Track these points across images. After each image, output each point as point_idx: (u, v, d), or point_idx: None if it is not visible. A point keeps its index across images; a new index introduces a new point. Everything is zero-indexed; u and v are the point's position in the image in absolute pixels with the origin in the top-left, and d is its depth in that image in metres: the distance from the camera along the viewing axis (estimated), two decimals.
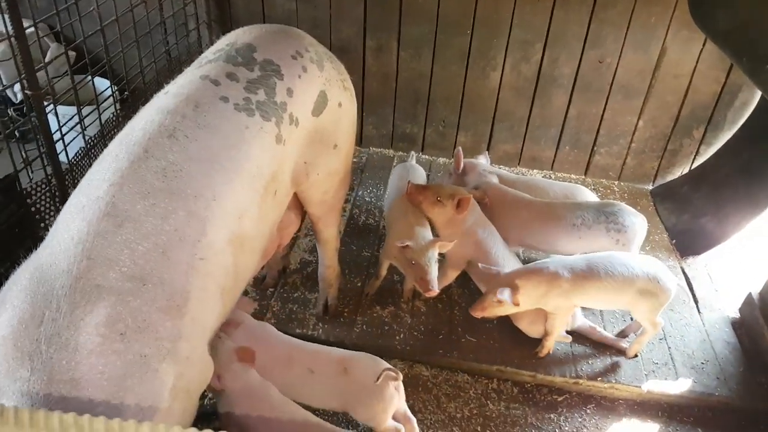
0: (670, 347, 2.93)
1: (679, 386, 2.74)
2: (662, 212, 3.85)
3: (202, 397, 2.12)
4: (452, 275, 2.95)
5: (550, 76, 3.89)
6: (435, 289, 2.56)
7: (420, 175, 3.20)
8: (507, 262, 2.80)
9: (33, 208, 2.43)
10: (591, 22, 3.66)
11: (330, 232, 2.78)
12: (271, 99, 1.99)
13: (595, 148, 4.12)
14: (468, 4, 3.72)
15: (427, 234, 2.72)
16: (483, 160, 3.41)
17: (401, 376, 2.22)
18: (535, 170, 4.27)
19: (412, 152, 3.66)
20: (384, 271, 2.96)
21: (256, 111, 1.93)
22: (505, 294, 2.49)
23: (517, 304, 2.54)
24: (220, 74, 1.96)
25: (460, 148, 3.28)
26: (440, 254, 2.69)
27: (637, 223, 2.95)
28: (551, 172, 4.26)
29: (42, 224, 2.42)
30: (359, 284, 3.13)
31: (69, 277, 1.49)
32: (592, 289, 2.60)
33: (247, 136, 1.89)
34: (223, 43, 2.17)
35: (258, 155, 1.91)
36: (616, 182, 4.20)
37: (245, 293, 2.90)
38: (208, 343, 1.81)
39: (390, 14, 3.82)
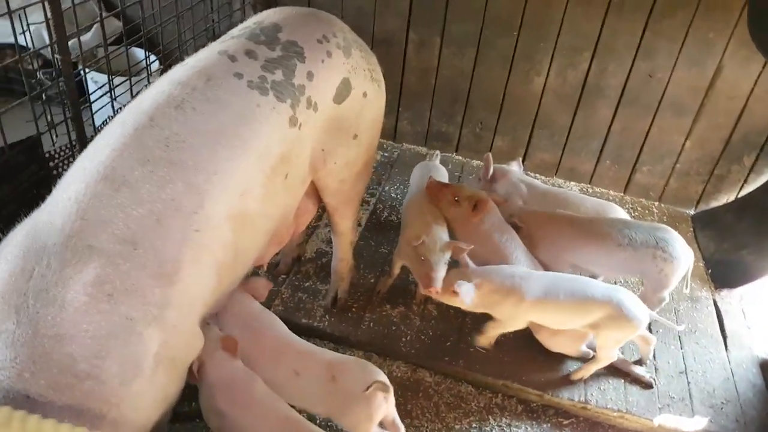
0: (689, 382, 2.77)
1: (694, 424, 2.59)
2: (701, 239, 3.66)
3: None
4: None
5: (597, 86, 3.74)
6: (437, 287, 2.47)
7: (442, 175, 3.12)
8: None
9: (55, 172, 2.46)
10: (645, 32, 3.50)
11: (345, 225, 2.73)
12: (288, 80, 1.97)
13: (637, 166, 3.95)
14: (517, 4, 3.60)
15: (443, 234, 2.64)
16: (515, 167, 3.30)
17: (391, 389, 2.10)
18: (572, 182, 4.12)
19: (437, 151, 3.58)
20: (397, 270, 2.89)
21: (270, 90, 1.91)
22: (463, 289, 2.40)
23: (469, 304, 2.46)
24: (239, 51, 1.95)
25: (489, 154, 3.15)
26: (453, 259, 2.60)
27: (686, 255, 2.74)
28: (589, 186, 4.11)
29: None
30: (372, 281, 3.07)
31: (62, 236, 1.51)
32: (550, 310, 2.49)
33: (258, 115, 1.86)
34: (252, 21, 2.17)
35: (267, 135, 1.88)
36: (656, 203, 4.01)
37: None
38: (200, 317, 1.80)
39: (436, 9, 3.73)
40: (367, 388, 2.03)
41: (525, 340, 2.81)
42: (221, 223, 1.76)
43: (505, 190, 3.11)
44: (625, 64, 3.62)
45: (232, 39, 2.02)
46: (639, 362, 2.81)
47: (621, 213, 3.07)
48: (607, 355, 2.59)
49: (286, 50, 2.01)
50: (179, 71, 1.87)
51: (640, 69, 3.61)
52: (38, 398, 1.38)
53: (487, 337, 2.71)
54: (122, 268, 1.51)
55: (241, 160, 1.80)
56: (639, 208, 3.95)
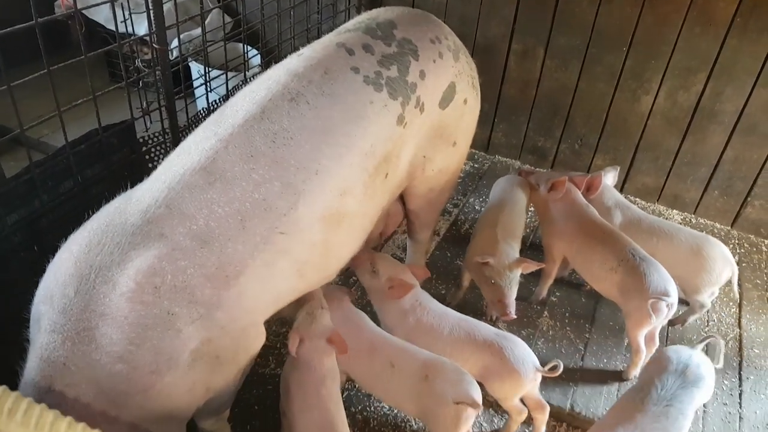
0: None
1: None
2: None
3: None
4: (550, 269, 2.88)
5: (710, 111, 3.50)
6: (512, 315, 2.40)
7: (520, 195, 2.93)
8: None
9: (147, 156, 2.59)
10: None
11: (424, 234, 2.71)
12: (402, 77, 1.96)
13: (749, 199, 3.65)
14: (629, 19, 3.44)
15: (512, 252, 2.55)
16: (610, 175, 3.11)
17: (480, 408, 2.07)
18: (674, 210, 3.88)
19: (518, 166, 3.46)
20: (466, 282, 2.84)
21: (384, 87, 1.91)
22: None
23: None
24: (357, 44, 1.95)
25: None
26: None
27: (723, 261, 2.72)
28: (693, 216, 3.85)
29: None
30: (443, 292, 3.03)
31: (142, 219, 1.57)
32: (428, 339, 2.29)
33: (369, 112, 1.86)
34: (365, 17, 2.17)
35: (375, 134, 1.88)
36: (767, 241, 3.70)
37: None
38: (269, 314, 1.82)
39: (542, 19, 3.63)
40: (458, 402, 2.01)
41: (597, 370, 2.70)
42: (312, 224, 1.76)
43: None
44: (744, 89, 3.36)
45: (348, 32, 2.02)
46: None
47: (721, 249, 2.82)
48: (510, 407, 2.33)
49: (402, 47, 2.01)
50: (296, 61, 1.88)
51: (760, 95, 3.33)
52: (72, 367, 1.46)
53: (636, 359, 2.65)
54: (179, 263, 1.54)
55: (346, 159, 1.80)
56: (746, 245, 3.65)
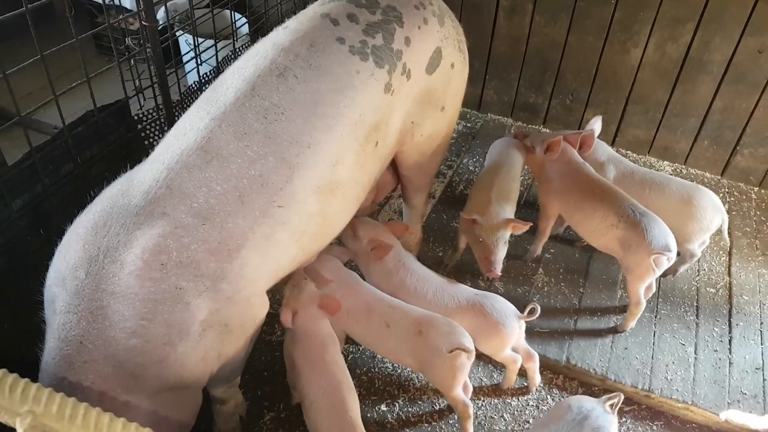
0: (765, 379, 2.65)
1: (763, 422, 2.48)
2: None
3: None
4: (545, 227, 2.96)
5: (699, 61, 3.52)
6: (497, 272, 2.49)
7: (516, 158, 2.97)
8: None
9: (142, 134, 2.62)
10: (756, 4, 3.24)
11: (419, 199, 2.76)
12: (388, 45, 1.98)
13: (738, 148, 3.71)
14: None
15: (504, 213, 2.61)
16: (597, 126, 3.14)
17: (474, 354, 2.20)
18: (665, 162, 3.94)
19: (513, 130, 3.49)
20: (462, 245, 2.91)
21: (370, 56, 1.93)
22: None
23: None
24: (341, 14, 1.96)
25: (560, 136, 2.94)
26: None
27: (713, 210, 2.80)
28: (683, 166, 3.91)
29: (150, 150, 2.61)
30: (440, 254, 3.10)
31: (145, 199, 1.62)
32: (413, 301, 2.38)
33: (356, 82, 1.89)
34: None
35: (363, 103, 1.91)
36: (756, 189, 3.77)
37: None
38: (272, 283, 1.90)
39: None
40: (451, 351, 2.13)
41: (589, 324, 2.80)
42: (307, 196, 1.81)
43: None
44: (733, 38, 3.38)
45: (332, 2, 2.02)
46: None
47: (711, 197, 2.89)
48: (505, 359, 2.46)
49: (386, 14, 2.02)
50: (282, 35, 1.90)
51: (748, 44, 3.36)
52: (89, 345, 1.53)
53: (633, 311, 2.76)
54: (183, 240, 1.60)
55: (336, 130, 1.84)
56: (736, 194, 3.72)
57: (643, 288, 2.65)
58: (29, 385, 1.02)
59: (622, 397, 1.98)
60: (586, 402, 1.98)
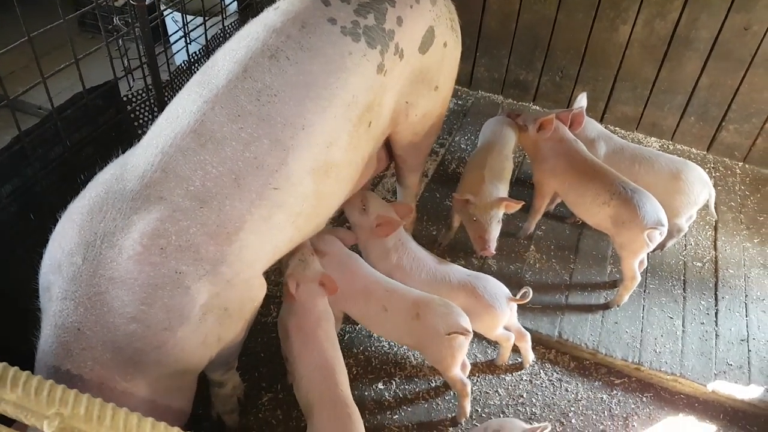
0: (750, 350, 2.72)
1: (749, 392, 2.56)
2: None
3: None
4: (539, 205, 2.99)
5: (686, 38, 3.54)
6: (491, 250, 2.52)
7: (509, 137, 2.99)
8: None
9: (132, 115, 2.59)
10: None
11: (413, 178, 2.77)
12: (380, 25, 1.97)
13: (724, 124, 3.75)
14: None
15: (497, 192, 2.63)
16: (583, 102, 3.14)
17: (471, 335, 2.23)
18: (653, 138, 3.98)
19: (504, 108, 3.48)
20: (456, 223, 2.93)
21: (362, 36, 1.92)
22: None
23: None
24: None
25: (554, 114, 2.96)
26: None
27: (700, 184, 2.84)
28: (670, 142, 3.95)
29: (140, 131, 2.59)
30: (434, 233, 3.13)
31: (140, 184, 1.62)
32: (408, 280, 2.43)
33: (349, 64, 1.88)
34: None
35: (356, 84, 1.91)
36: (740, 164, 3.82)
37: None
38: (269, 265, 1.90)
39: None
40: (449, 333, 2.16)
41: (579, 299, 2.85)
42: (303, 177, 1.81)
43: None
44: (719, 15, 3.41)
45: None
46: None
47: (699, 172, 2.94)
48: (498, 338, 2.51)
49: None
50: (273, 16, 1.88)
51: (734, 21, 3.38)
52: (87, 332, 1.53)
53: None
54: (182, 224, 1.60)
55: (329, 111, 1.84)
56: (721, 168, 3.78)
57: (637, 263, 2.70)
58: (55, 386, 1.02)
59: (550, 427, 1.96)
60: (507, 423, 2.02)
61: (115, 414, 0.97)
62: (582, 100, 3.14)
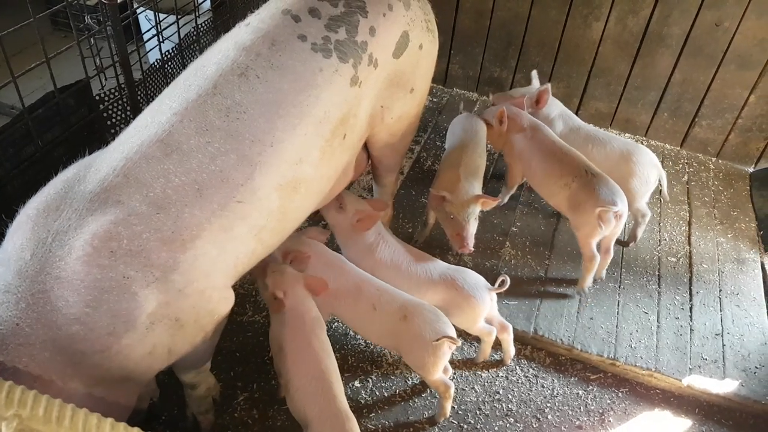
0: (724, 345, 2.75)
1: (723, 387, 2.59)
2: (756, 199, 3.54)
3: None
4: (513, 183, 3.13)
5: (658, 35, 3.57)
6: (469, 247, 2.52)
7: (482, 134, 2.99)
8: None
9: (104, 114, 2.55)
10: None
11: (390, 178, 2.76)
12: (351, 38, 1.95)
13: (697, 119, 3.80)
14: None
15: (473, 189, 2.63)
16: (536, 81, 3.25)
17: (459, 343, 2.23)
18: (627, 134, 4.00)
19: (475, 109, 3.50)
20: (432, 220, 2.93)
21: (333, 51, 1.90)
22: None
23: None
24: (302, 9, 1.92)
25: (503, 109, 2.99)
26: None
27: (651, 165, 2.93)
28: (644, 138, 3.99)
29: (112, 131, 2.55)
30: (410, 230, 3.12)
31: (100, 186, 1.59)
32: (390, 274, 2.45)
33: (320, 80, 1.87)
34: None
35: (328, 100, 1.89)
36: (714, 159, 3.87)
37: None
38: (231, 278, 1.84)
39: None
40: (436, 340, 2.15)
41: (555, 295, 2.87)
42: (269, 193, 1.79)
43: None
44: (690, 12, 3.44)
45: None
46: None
47: (649, 155, 2.98)
48: (479, 331, 2.51)
49: (349, 5, 1.97)
50: (244, 34, 1.86)
51: (705, 17, 3.42)
52: (26, 328, 1.50)
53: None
54: (135, 228, 1.57)
55: (299, 129, 1.82)
56: (695, 164, 3.82)
57: (593, 244, 2.75)
58: (14, 387, 0.99)
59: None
60: None
61: (75, 415, 0.95)
62: (535, 79, 3.29)
